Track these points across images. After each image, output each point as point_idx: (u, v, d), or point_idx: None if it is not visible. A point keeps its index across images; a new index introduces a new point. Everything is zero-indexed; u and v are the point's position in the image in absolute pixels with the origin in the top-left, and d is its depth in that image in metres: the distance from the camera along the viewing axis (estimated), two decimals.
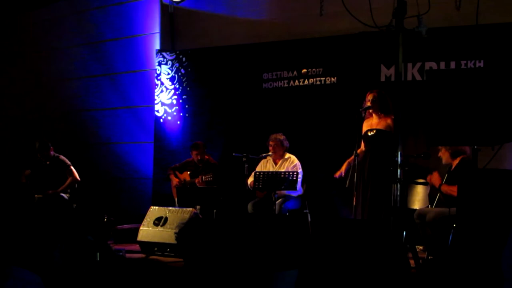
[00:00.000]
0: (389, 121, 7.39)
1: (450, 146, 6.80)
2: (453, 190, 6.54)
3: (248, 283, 2.60)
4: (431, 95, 5.56)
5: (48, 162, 9.45)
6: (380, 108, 7.56)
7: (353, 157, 7.39)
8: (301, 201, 8.62)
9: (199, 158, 9.34)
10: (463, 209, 5.30)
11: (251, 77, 9.82)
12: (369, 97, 7.62)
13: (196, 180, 9.07)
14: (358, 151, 7.45)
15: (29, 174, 9.54)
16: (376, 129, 7.57)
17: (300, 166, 8.66)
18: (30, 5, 12.13)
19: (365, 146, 7.62)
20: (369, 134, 7.64)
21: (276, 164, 8.84)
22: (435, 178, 6.86)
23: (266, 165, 8.94)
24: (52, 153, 9.50)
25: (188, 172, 9.47)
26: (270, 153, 8.80)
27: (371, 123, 7.67)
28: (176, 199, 9.17)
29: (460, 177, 6.39)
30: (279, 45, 9.65)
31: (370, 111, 7.61)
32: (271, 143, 8.78)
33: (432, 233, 6.58)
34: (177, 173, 9.55)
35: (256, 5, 10.03)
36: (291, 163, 8.70)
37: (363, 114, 7.67)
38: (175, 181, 9.45)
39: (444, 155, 6.85)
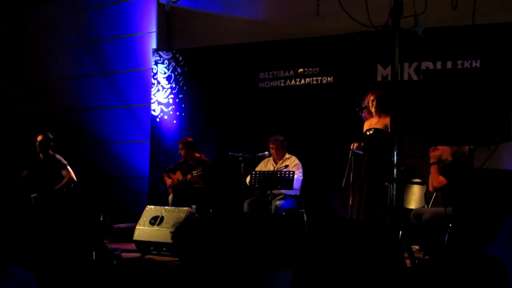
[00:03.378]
0: (387, 120, 7.39)
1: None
2: (437, 178, 6.57)
3: (244, 283, 2.60)
4: (428, 95, 5.56)
5: (42, 156, 9.42)
6: (381, 109, 7.59)
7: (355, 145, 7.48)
8: (297, 201, 8.63)
9: (182, 153, 9.43)
10: (459, 209, 5.30)
11: (248, 77, 9.82)
12: (370, 97, 7.64)
13: (188, 177, 9.07)
14: (354, 147, 7.48)
15: (26, 175, 9.53)
16: (375, 128, 7.60)
17: (300, 166, 8.68)
18: (27, 4, 12.11)
19: (363, 146, 7.62)
20: (368, 133, 7.66)
21: (276, 164, 8.85)
22: (434, 153, 6.80)
23: (266, 165, 8.96)
24: (50, 151, 9.49)
25: (181, 172, 9.49)
26: (266, 153, 8.82)
27: (371, 123, 7.70)
28: (169, 198, 9.19)
29: (454, 172, 6.40)
30: (276, 45, 9.65)
31: (373, 110, 7.65)
32: (271, 145, 8.79)
33: (428, 233, 6.58)
34: (171, 174, 9.57)
35: (253, 5, 10.03)
36: (292, 161, 8.72)
37: (360, 114, 7.70)
38: (168, 182, 9.48)
39: (445, 151, 6.80)
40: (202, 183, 9.03)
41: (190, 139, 9.49)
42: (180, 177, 9.42)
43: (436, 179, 6.61)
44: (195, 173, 8.93)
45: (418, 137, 7.26)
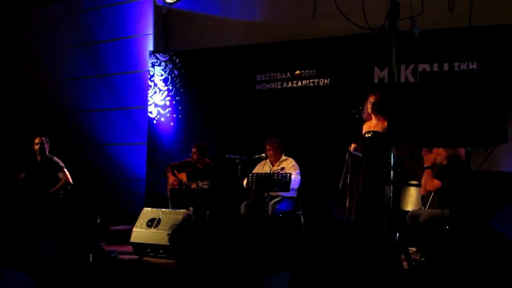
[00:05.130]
0: (386, 123, 7.39)
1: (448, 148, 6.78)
2: (431, 181, 6.57)
3: (241, 285, 2.60)
4: (425, 97, 5.57)
5: (40, 159, 9.43)
6: (380, 111, 7.60)
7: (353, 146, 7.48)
8: (294, 203, 8.62)
9: (194, 157, 9.37)
10: (456, 211, 5.30)
11: (245, 79, 9.82)
12: (371, 99, 7.65)
13: (193, 185, 9.05)
14: (352, 148, 7.48)
15: (23, 177, 9.53)
16: (374, 131, 7.62)
17: (298, 167, 8.68)
18: (24, 6, 12.09)
19: (362, 148, 7.63)
20: (367, 136, 7.67)
21: (273, 166, 8.85)
22: (429, 157, 6.77)
23: (263, 167, 8.95)
24: (47, 153, 9.50)
25: (186, 174, 9.47)
26: (263, 155, 8.82)
27: (370, 125, 7.71)
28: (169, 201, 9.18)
29: (450, 175, 6.40)
30: (273, 47, 9.64)
31: (369, 111, 7.66)
32: (268, 147, 8.79)
33: (425, 234, 6.58)
34: (175, 171, 9.54)
35: (250, 7, 10.03)
36: (289, 163, 8.72)
37: (357, 116, 7.71)
38: (171, 179, 9.40)
39: (440, 154, 6.78)
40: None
41: (204, 144, 9.45)
42: (185, 179, 9.39)
43: (430, 183, 6.61)
44: (201, 184, 8.90)
45: (415, 139, 7.26)
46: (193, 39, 10.60)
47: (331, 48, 9.14)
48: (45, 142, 9.46)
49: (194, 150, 9.41)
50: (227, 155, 8.71)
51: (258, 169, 8.95)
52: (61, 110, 11.86)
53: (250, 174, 8.41)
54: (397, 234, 5.95)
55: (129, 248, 8.02)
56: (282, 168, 8.62)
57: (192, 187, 9.07)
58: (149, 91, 10.68)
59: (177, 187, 9.29)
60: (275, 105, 9.51)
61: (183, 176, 9.45)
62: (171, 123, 10.48)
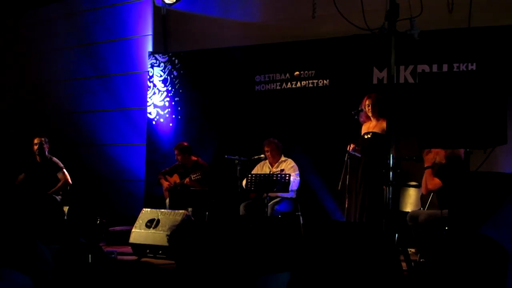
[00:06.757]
0: (385, 124, 7.39)
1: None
2: (431, 180, 6.57)
3: (240, 286, 2.59)
4: (424, 97, 5.57)
5: (40, 160, 9.45)
6: (378, 112, 7.60)
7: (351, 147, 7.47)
8: (294, 204, 8.62)
9: (179, 158, 9.40)
10: (455, 212, 5.30)
11: (244, 80, 9.82)
12: (367, 101, 7.64)
13: (186, 180, 9.07)
14: (350, 148, 7.48)
15: (23, 178, 9.54)
16: (372, 132, 7.62)
17: (297, 168, 8.67)
18: (23, 7, 12.09)
19: (361, 149, 7.63)
20: (366, 137, 7.67)
21: (272, 166, 8.85)
22: (428, 157, 6.77)
23: (263, 168, 8.95)
24: (46, 153, 9.52)
25: (178, 175, 9.48)
26: (262, 156, 8.83)
27: (369, 126, 7.71)
28: (166, 202, 9.18)
29: (449, 175, 6.40)
30: (272, 48, 9.65)
31: (370, 114, 7.65)
32: (266, 148, 8.79)
33: (424, 234, 6.58)
34: (167, 177, 9.56)
35: (249, 8, 10.03)
36: (288, 164, 8.72)
37: (356, 117, 7.70)
38: (165, 184, 9.45)
39: (439, 154, 6.78)
40: (200, 187, 9.01)
41: (185, 144, 9.49)
42: (178, 180, 9.41)
43: (431, 182, 6.61)
44: (193, 177, 8.93)
45: (414, 140, 7.26)
46: (192, 40, 10.60)
47: (330, 49, 9.14)
48: (44, 143, 9.48)
49: (176, 152, 9.48)
50: (226, 156, 8.71)
51: (257, 170, 8.95)
52: (60, 110, 11.86)
53: (249, 175, 8.41)
54: (396, 235, 5.95)
55: (128, 249, 8.01)
56: (282, 170, 8.62)
57: (185, 182, 9.09)
58: (148, 92, 10.68)
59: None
60: (274, 106, 9.51)
61: (175, 178, 9.48)
62: (170, 124, 10.48)
